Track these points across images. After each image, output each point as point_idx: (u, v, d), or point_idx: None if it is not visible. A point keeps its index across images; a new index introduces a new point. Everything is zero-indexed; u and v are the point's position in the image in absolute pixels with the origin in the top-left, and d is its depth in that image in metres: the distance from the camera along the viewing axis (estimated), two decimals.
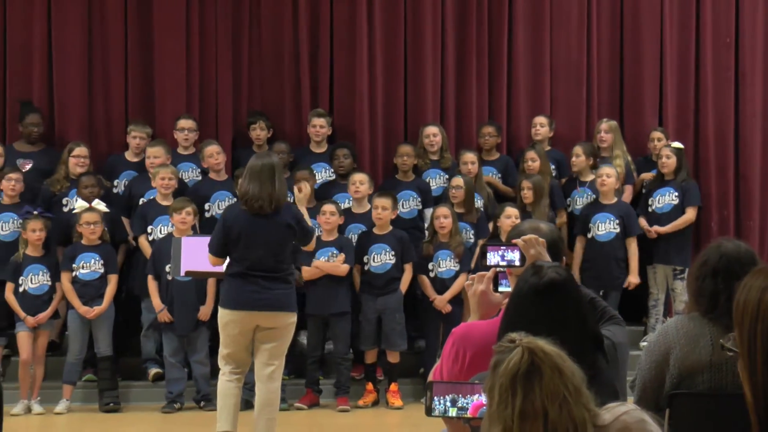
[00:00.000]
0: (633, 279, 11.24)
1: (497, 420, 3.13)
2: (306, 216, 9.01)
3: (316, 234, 10.67)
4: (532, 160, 11.44)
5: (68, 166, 11.16)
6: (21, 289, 10.54)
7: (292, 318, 8.62)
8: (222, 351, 8.61)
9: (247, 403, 8.95)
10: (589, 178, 11.43)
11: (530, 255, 4.86)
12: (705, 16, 12.44)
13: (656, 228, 11.35)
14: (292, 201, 10.84)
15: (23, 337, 10.52)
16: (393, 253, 10.77)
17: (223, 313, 8.54)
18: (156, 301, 10.55)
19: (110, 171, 11.55)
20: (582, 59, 12.44)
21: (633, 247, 11.25)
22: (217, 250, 8.56)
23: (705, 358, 4.75)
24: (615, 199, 11.26)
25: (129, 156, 11.68)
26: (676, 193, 11.46)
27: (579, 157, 11.47)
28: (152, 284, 10.59)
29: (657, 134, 11.92)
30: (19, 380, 10.54)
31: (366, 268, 10.81)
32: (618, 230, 11.21)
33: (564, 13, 12.43)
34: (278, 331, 8.52)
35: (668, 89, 12.43)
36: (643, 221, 11.46)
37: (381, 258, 10.78)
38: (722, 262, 4.82)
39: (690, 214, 11.46)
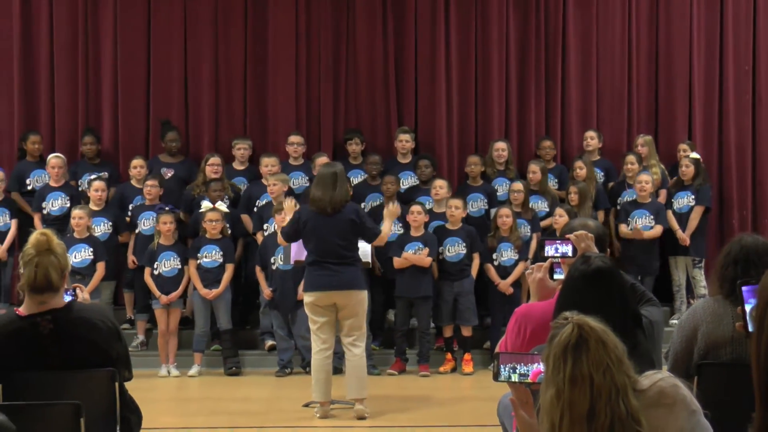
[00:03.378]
0: (627, 231, 11.16)
1: (551, 384, 3.13)
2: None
3: (400, 231, 10.74)
4: (580, 168, 11.41)
5: (205, 174, 11.26)
6: (156, 272, 10.67)
7: (362, 295, 8.65)
8: (311, 328, 8.68)
9: (337, 370, 8.97)
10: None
11: (581, 247, 4.86)
12: (727, 48, 12.31)
13: (683, 235, 11.25)
14: (381, 201, 10.97)
15: (159, 313, 10.66)
16: (464, 245, 10.77)
17: (305, 296, 8.65)
18: (264, 284, 10.63)
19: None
20: (624, 83, 12.37)
21: (656, 230, 11.15)
22: (287, 237, 8.87)
23: (728, 333, 4.72)
24: (650, 199, 11.18)
25: (236, 165, 11.75)
26: (693, 196, 11.40)
27: (633, 165, 11.39)
28: (260, 273, 10.67)
29: (683, 146, 11.87)
30: (159, 349, 10.68)
31: (442, 257, 10.80)
32: (653, 224, 11.13)
33: (609, 45, 12.36)
34: (352, 307, 8.56)
35: (696, 109, 12.32)
36: (671, 217, 11.37)
37: (454, 249, 10.79)
38: (742, 252, 4.82)
39: (696, 212, 11.36)
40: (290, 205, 9.11)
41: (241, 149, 11.66)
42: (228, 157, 11.73)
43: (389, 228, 9.16)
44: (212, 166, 11.20)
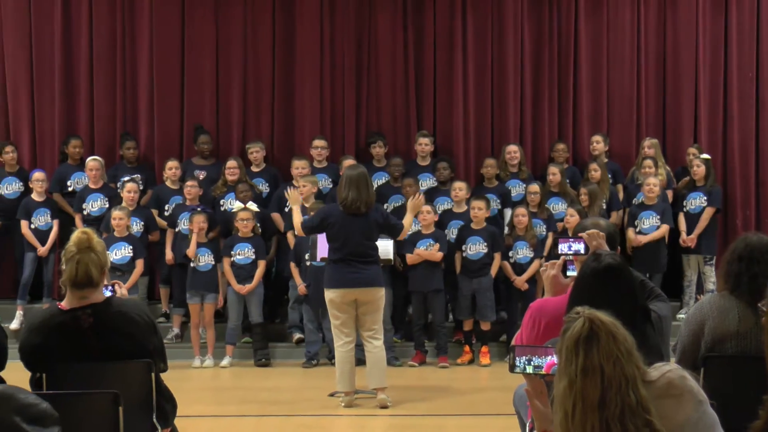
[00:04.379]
0: (638, 239, 11.05)
1: (564, 375, 3.13)
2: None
3: (416, 229, 10.73)
4: (594, 170, 11.37)
5: (225, 176, 11.29)
6: (191, 268, 10.68)
7: (382, 292, 8.66)
8: (334, 323, 8.68)
9: (360, 361, 8.99)
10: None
11: (592, 246, 4.86)
12: (732, 56, 12.25)
13: (690, 237, 11.18)
14: (404, 201, 10.96)
15: (194, 308, 10.69)
16: (486, 244, 10.74)
17: (328, 292, 8.61)
18: (298, 280, 10.63)
19: None
20: (632, 89, 12.32)
21: (662, 231, 11.08)
22: (308, 231, 8.86)
23: (733, 328, 4.71)
24: (656, 201, 11.14)
25: (253, 168, 11.73)
26: (705, 197, 11.32)
27: (651, 169, 11.33)
28: (294, 269, 10.67)
29: (692, 150, 11.80)
30: (192, 341, 10.71)
31: (464, 255, 10.78)
32: (659, 224, 11.09)
33: (618, 53, 12.32)
34: (372, 303, 8.57)
35: (702, 113, 12.26)
36: (681, 220, 11.32)
37: (476, 248, 10.76)
38: (746, 250, 4.81)
39: (707, 213, 11.28)
40: (295, 196, 9.07)
41: (254, 152, 11.66)
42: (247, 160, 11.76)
43: (411, 219, 9.10)
44: (229, 169, 11.25)
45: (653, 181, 11.10)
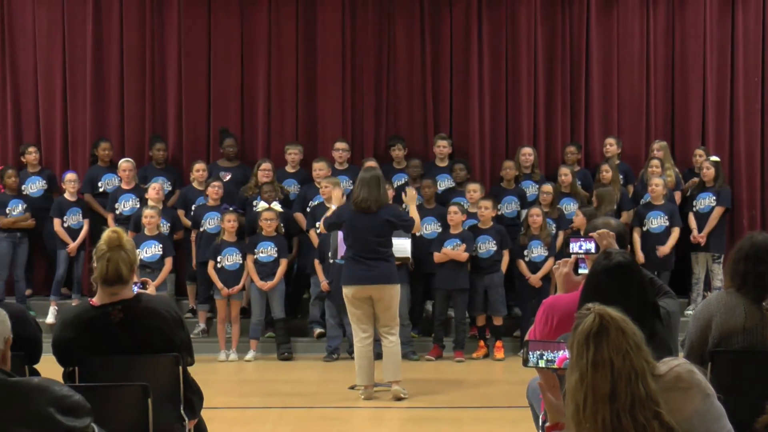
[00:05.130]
0: (664, 250, 11.01)
1: (575, 368, 3.13)
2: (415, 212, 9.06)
3: (439, 230, 10.72)
4: (606, 171, 11.33)
5: (257, 177, 11.31)
6: (219, 266, 10.70)
7: (395, 288, 8.63)
8: (351, 319, 8.70)
9: (377, 355, 9.00)
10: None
11: (603, 244, 4.85)
12: (738, 61, 12.21)
13: (700, 235, 11.15)
14: (422, 202, 10.97)
15: (220, 304, 10.71)
16: (495, 242, 10.74)
17: (344, 289, 8.64)
18: (321, 276, 10.65)
19: (278, 181, 11.62)
20: (642, 93, 12.29)
21: (675, 234, 11.07)
22: (329, 227, 8.98)
23: (739, 323, 4.69)
24: (663, 201, 11.10)
25: (288, 168, 11.77)
26: (714, 197, 11.28)
27: (658, 168, 11.28)
28: (318, 266, 10.69)
29: (699, 151, 11.78)
30: (218, 336, 10.73)
31: (474, 254, 10.77)
32: (667, 224, 11.05)
33: (628, 58, 12.29)
34: (386, 300, 8.56)
35: (709, 116, 12.23)
36: (691, 219, 11.28)
37: (486, 246, 10.75)
38: (753, 249, 4.79)
39: (716, 212, 11.24)
40: (338, 195, 9.15)
41: (292, 154, 11.69)
42: (280, 161, 11.77)
43: (416, 212, 9.09)
44: (264, 171, 11.25)
45: (658, 181, 11.07)
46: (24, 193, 11.52)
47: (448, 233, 10.70)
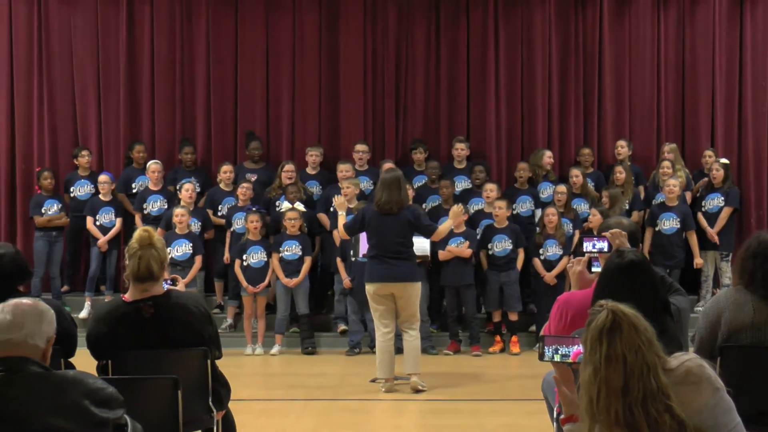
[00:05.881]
0: (698, 261, 11.06)
1: (589, 363, 3.12)
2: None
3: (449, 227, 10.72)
4: (619, 173, 11.31)
5: (281, 179, 11.32)
6: (245, 264, 10.72)
7: (416, 286, 8.64)
8: (373, 315, 8.72)
9: (398, 349, 9.00)
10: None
11: (615, 243, 4.84)
12: (746, 66, 12.17)
13: (712, 231, 11.10)
14: (440, 202, 10.95)
15: (247, 300, 10.73)
16: (510, 241, 10.72)
17: (367, 286, 8.66)
18: (344, 274, 10.65)
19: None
20: (653, 97, 12.25)
21: (693, 239, 11.05)
22: (349, 231, 8.93)
23: (748, 319, 4.67)
24: (677, 202, 11.05)
25: (309, 170, 11.77)
26: (723, 198, 11.23)
27: (669, 170, 11.25)
28: (340, 264, 10.69)
29: (708, 153, 11.74)
30: (245, 331, 10.76)
31: (490, 252, 10.75)
32: (679, 226, 11.00)
33: (640, 65, 12.25)
34: (407, 297, 8.56)
35: (718, 120, 12.18)
36: (701, 218, 11.23)
37: (501, 245, 10.73)
38: (760, 247, 4.77)
39: (725, 213, 11.19)
40: (340, 201, 9.16)
41: (313, 156, 11.71)
42: (303, 163, 11.80)
43: (449, 226, 9.04)
44: (287, 173, 11.26)
45: (673, 182, 11.03)
46: (72, 194, 11.59)
47: (452, 232, 10.60)
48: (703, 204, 11.31)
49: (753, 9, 12.19)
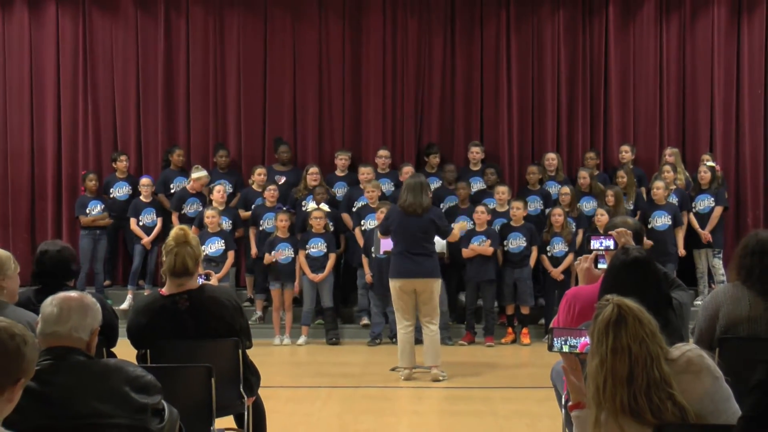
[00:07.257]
0: (681, 251, 10.98)
1: (596, 353, 3.12)
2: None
3: (470, 227, 10.69)
4: (621, 177, 11.26)
5: (306, 181, 11.33)
6: (274, 260, 10.73)
7: (437, 282, 8.69)
8: (396, 309, 8.76)
9: (418, 341, 9.00)
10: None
11: (621, 241, 4.82)
12: (743, 76, 12.08)
13: (705, 232, 11.05)
14: (457, 202, 10.94)
15: (275, 293, 10.74)
16: (524, 239, 10.69)
17: (391, 281, 8.69)
18: (366, 270, 10.66)
19: (329, 184, 11.64)
20: (656, 104, 12.18)
21: (681, 235, 10.99)
22: (384, 231, 9.02)
23: (744, 313, 4.66)
24: (665, 201, 10.97)
25: (338, 172, 11.79)
26: (712, 198, 11.18)
27: (670, 173, 11.17)
28: (364, 260, 10.70)
29: (705, 156, 11.66)
30: (273, 322, 10.77)
31: (506, 249, 10.73)
32: (670, 223, 10.93)
33: (644, 74, 12.18)
34: (429, 292, 8.60)
35: (717, 126, 12.10)
36: (692, 218, 11.17)
37: (516, 242, 10.70)
38: (758, 245, 4.75)
39: (716, 212, 11.14)
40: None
41: (342, 159, 11.72)
42: (328, 165, 11.81)
43: (458, 232, 9.35)
44: (311, 175, 11.27)
45: (658, 184, 10.96)
46: (111, 195, 11.65)
47: (474, 231, 10.66)
48: (693, 205, 11.26)
49: (750, 22, 12.12)
